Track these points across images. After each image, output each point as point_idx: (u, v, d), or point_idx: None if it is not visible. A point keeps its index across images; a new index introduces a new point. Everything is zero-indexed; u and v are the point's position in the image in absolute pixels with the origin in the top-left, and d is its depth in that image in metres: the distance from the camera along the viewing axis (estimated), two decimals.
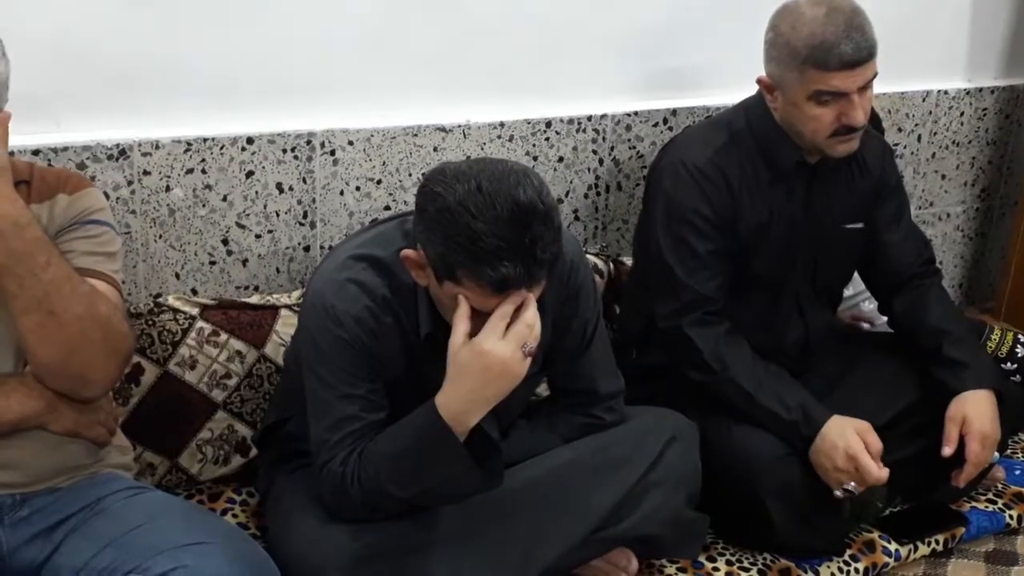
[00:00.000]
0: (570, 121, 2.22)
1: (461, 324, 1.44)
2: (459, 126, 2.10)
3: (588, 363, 1.71)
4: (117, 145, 1.80)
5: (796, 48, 1.77)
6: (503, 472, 1.54)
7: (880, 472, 1.77)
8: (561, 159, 2.23)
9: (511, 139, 2.16)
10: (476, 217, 1.36)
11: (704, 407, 1.86)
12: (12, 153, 1.43)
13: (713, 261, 1.87)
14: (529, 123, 2.18)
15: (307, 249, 2.02)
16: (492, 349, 1.41)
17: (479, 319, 1.44)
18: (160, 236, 1.87)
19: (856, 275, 2.16)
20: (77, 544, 1.45)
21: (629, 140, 2.30)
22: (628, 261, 2.20)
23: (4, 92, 1.40)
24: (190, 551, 1.38)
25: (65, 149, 1.75)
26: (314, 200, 2.00)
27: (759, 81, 1.88)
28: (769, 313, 1.98)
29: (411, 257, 1.48)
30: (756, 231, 1.91)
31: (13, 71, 1.40)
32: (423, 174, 2.06)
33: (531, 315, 1.43)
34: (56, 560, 1.45)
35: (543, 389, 1.85)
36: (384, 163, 2.05)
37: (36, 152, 1.71)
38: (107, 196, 1.73)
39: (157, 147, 1.83)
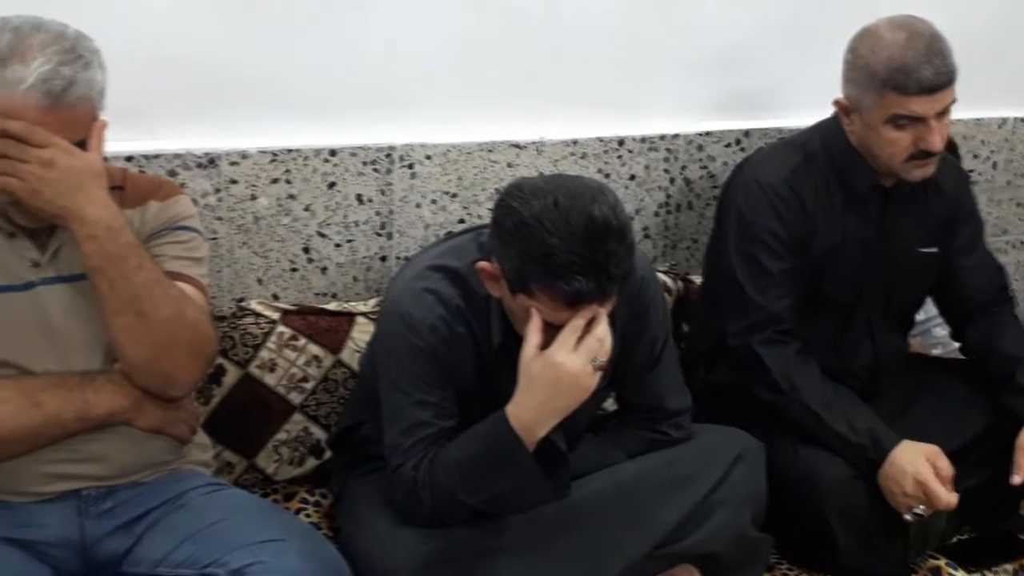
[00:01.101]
0: (642, 140, 2.24)
1: (533, 336, 1.47)
2: (533, 143, 2.14)
3: (656, 379, 1.72)
4: (206, 154, 1.86)
5: (875, 71, 1.78)
6: (571, 484, 1.57)
7: (949, 497, 1.76)
8: (633, 177, 2.26)
9: (584, 156, 2.19)
10: (551, 232, 1.40)
11: (771, 427, 1.86)
12: (107, 159, 1.49)
13: (785, 280, 1.88)
14: (602, 141, 2.20)
15: (384, 259, 2.07)
16: (563, 362, 1.44)
17: (551, 332, 1.47)
18: (244, 243, 1.94)
19: (929, 300, 2.14)
20: (157, 537, 1.50)
21: (701, 160, 2.31)
22: (697, 280, 2.22)
23: (101, 101, 1.46)
24: (266, 548, 1.42)
25: (157, 156, 1.82)
26: (392, 212, 2.05)
27: (836, 103, 1.89)
28: (839, 336, 1.98)
29: (486, 269, 1.52)
30: (829, 252, 1.91)
31: (110, 81, 1.46)
32: (497, 188, 2.11)
33: (602, 330, 1.46)
34: (137, 552, 1.50)
35: (608, 404, 1.87)
36: (460, 177, 2.09)
37: (129, 159, 1.78)
38: (195, 203, 1.78)
39: (244, 157, 1.89)
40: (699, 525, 1.66)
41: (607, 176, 2.21)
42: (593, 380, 1.47)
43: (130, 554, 1.50)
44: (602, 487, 1.65)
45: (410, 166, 2.04)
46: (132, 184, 1.60)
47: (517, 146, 2.12)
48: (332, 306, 1.98)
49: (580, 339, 1.45)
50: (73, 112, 1.41)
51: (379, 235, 2.06)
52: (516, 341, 1.52)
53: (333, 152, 1.97)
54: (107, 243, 1.43)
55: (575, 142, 2.18)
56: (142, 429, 1.53)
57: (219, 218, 1.90)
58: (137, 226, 1.53)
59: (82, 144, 1.43)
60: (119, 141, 1.57)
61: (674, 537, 1.65)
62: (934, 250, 2.00)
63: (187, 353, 1.51)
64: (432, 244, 1.81)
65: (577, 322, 1.45)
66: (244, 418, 1.86)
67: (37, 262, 1.51)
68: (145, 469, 1.56)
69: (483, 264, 1.52)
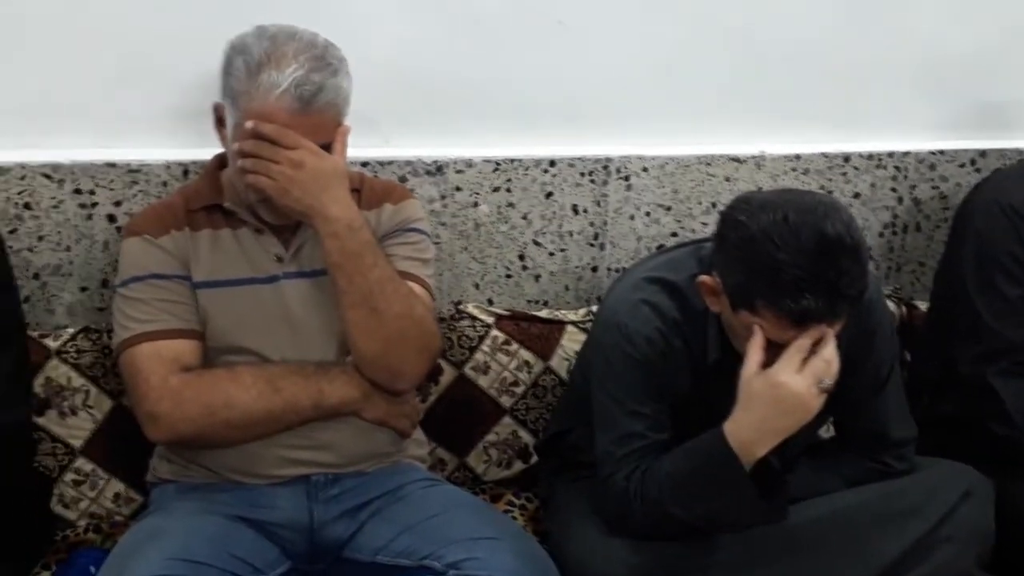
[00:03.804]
0: (870, 157, 2.16)
1: (755, 354, 1.44)
2: (753, 157, 2.10)
3: (880, 406, 1.66)
4: (435, 162, 1.93)
5: None
6: (788, 507, 1.53)
7: None
8: (857, 195, 2.18)
9: (806, 172, 2.13)
10: (780, 248, 1.36)
11: (1001, 463, 1.75)
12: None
13: None
14: (826, 156, 2.14)
15: (595, 270, 2.09)
16: (787, 381, 1.41)
17: (773, 350, 1.43)
18: (465, 248, 1.99)
19: None
20: (379, 526, 1.56)
21: (932, 180, 2.21)
22: (922, 305, 2.12)
23: (346, 107, 1.54)
24: (480, 545, 1.45)
25: (390, 163, 1.90)
26: (605, 223, 2.06)
27: None
28: None
29: (707, 283, 1.50)
30: None
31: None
32: (713, 203, 2.09)
33: (830, 351, 1.42)
34: (359, 539, 1.56)
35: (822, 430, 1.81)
36: (675, 190, 2.08)
37: (365, 164, 1.87)
38: None
39: (469, 165, 1.95)
40: (922, 560, 1.59)
41: (830, 193, 2.14)
42: (817, 402, 1.42)
43: (352, 540, 1.57)
44: (820, 513, 1.60)
45: (626, 178, 2.05)
46: (368, 187, 1.69)
47: (736, 160, 2.10)
48: (543, 313, 2.01)
49: (806, 359, 1.41)
50: (321, 116, 1.49)
51: (592, 245, 2.07)
52: (733, 357, 1.50)
53: (552, 162, 2.00)
54: (347, 241, 1.51)
55: (797, 157, 2.12)
56: (368, 420, 1.60)
57: (443, 223, 1.96)
58: (372, 226, 1.59)
59: (327, 147, 1.51)
60: (357, 147, 1.64)
61: (895, 571, 1.58)
62: None
63: (414, 349, 1.56)
64: (648, 256, 1.80)
65: (803, 342, 1.41)
66: (457, 417, 1.91)
67: (281, 257, 1.60)
68: (369, 459, 1.62)
69: (704, 278, 1.50)
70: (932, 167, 2.21)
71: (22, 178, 1.75)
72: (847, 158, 2.16)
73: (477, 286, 2.03)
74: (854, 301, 1.39)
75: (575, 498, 1.68)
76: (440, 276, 1.97)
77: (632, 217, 2.08)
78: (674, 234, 2.10)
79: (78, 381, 1.74)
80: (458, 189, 1.96)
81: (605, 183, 2.04)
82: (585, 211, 2.05)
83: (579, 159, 2.02)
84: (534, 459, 1.94)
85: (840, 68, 2.12)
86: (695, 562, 1.54)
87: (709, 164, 2.09)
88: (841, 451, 1.71)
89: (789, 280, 1.36)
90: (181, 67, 1.76)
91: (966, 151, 2.22)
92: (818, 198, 1.43)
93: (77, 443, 1.74)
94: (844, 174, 2.16)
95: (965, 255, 1.83)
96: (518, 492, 1.93)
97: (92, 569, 1.59)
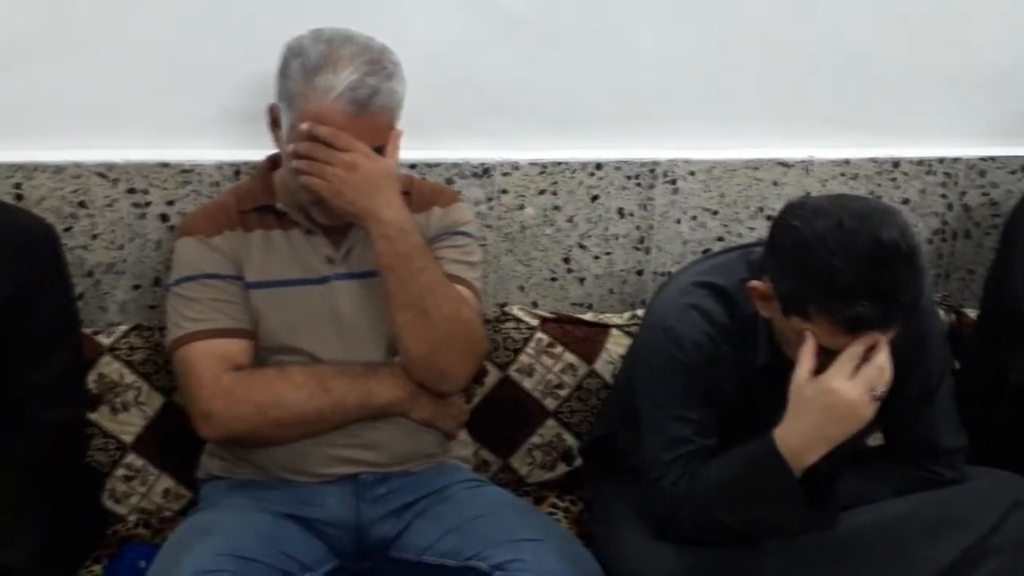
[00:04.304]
0: (919, 162, 2.14)
1: (807, 360, 1.43)
2: (801, 162, 2.09)
3: (931, 414, 1.64)
4: (482, 164, 1.94)
5: None
6: (837, 515, 1.52)
7: None
8: (906, 201, 2.16)
9: (855, 177, 2.12)
10: (834, 253, 1.35)
11: None
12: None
13: None
14: (875, 162, 2.12)
15: (640, 273, 2.08)
16: (839, 389, 1.40)
17: (825, 356, 1.42)
18: (510, 250, 2.00)
19: None
20: (425, 526, 1.57)
21: (983, 186, 2.19)
22: (970, 313, 2.10)
23: (399, 111, 1.55)
24: (526, 547, 1.46)
25: (437, 165, 1.91)
26: (651, 227, 2.06)
27: None
28: None
29: (758, 288, 1.49)
30: None
31: None
32: (759, 207, 2.08)
33: (883, 358, 1.41)
34: (405, 539, 1.58)
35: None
36: (722, 195, 2.08)
37: (412, 166, 1.87)
38: None
39: (516, 168, 1.96)
40: (971, 571, 1.56)
41: (879, 199, 2.12)
42: (870, 410, 1.41)
43: (399, 539, 1.58)
44: (868, 522, 1.58)
45: (672, 182, 2.05)
46: (417, 190, 1.70)
47: (784, 164, 2.08)
48: (588, 316, 2.01)
49: (858, 367, 1.40)
50: (375, 120, 1.51)
51: (637, 249, 2.07)
52: (782, 363, 1.49)
53: (599, 166, 2.00)
54: (398, 243, 1.52)
55: (846, 162, 2.11)
56: (415, 421, 1.61)
57: (488, 226, 1.97)
58: (421, 229, 1.60)
59: (380, 150, 1.52)
60: (404, 150, 1.65)
61: None
62: None
63: (462, 351, 1.57)
64: (696, 260, 1.79)
65: (856, 348, 1.40)
66: (502, 419, 1.91)
67: (332, 258, 1.62)
68: (416, 459, 1.63)
69: (756, 283, 1.49)
70: (982, 173, 2.18)
71: (77, 177, 1.78)
72: (896, 163, 2.14)
73: (522, 288, 2.03)
74: (909, 308, 1.38)
75: (621, 502, 1.68)
76: (485, 278, 1.97)
77: (678, 221, 2.07)
78: (720, 239, 2.10)
79: (130, 378, 1.77)
80: (504, 192, 1.96)
81: (651, 187, 2.04)
82: (631, 214, 2.04)
83: (625, 162, 2.01)
84: (578, 462, 1.94)
85: (889, 73, 2.11)
86: (742, 567, 1.53)
87: (756, 168, 2.08)
88: (890, 459, 1.69)
89: (843, 286, 1.35)
90: (233, 69, 1.78)
91: (1017, 157, 2.19)
92: (873, 204, 1.42)
93: (128, 439, 1.77)
94: (893, 180, 2.14)
95: (1016, 263, 1.81)
96: (562, 495, 1.93)
97: (142, 563, 1.61)
